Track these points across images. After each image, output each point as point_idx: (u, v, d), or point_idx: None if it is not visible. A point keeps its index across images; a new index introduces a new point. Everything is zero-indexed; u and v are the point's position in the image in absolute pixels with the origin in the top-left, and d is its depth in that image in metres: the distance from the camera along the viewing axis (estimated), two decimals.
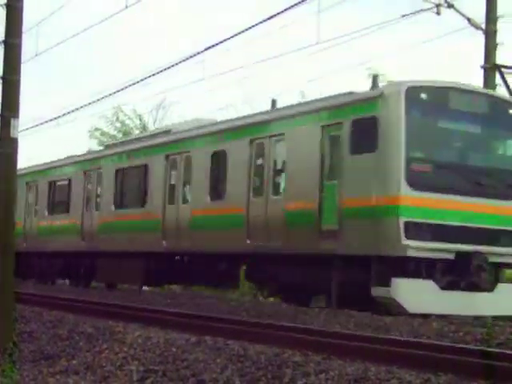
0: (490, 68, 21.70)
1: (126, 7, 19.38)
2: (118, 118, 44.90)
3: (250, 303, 17.68)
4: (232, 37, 17.57)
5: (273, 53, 48.06)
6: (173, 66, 19.66)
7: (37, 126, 31.04)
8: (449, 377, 7.42)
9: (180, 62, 19.42)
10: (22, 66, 11.38)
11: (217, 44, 18.10)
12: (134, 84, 21.61)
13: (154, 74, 20.56)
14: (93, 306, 15.91)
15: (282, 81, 55.88)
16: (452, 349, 9.05)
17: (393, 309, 15.33)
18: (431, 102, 15.95)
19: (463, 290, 15.60)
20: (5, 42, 11.26)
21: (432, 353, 8.65)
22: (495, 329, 12.69)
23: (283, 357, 8.67)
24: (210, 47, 18.43)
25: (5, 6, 11.29)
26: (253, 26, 16.96)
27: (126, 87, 22.19)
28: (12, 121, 11.14)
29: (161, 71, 20.22)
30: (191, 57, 19.20)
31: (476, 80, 22.48)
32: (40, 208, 30.36)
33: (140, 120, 45.42)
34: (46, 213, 29.66)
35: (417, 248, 15.15)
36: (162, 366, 8.80)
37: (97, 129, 45.24)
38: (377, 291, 15.58)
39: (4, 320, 11.05)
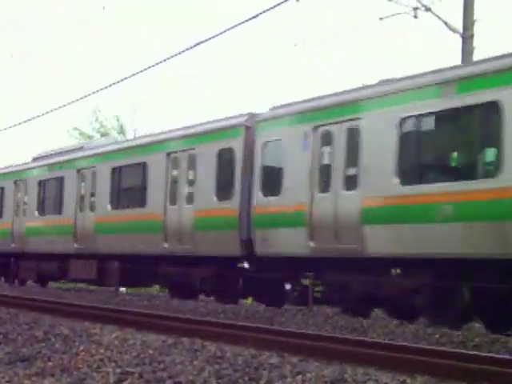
0: None
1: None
2: (97, 119, 44.84)
3: (229, 306, 17.70)
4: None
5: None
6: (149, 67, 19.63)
7: (15, 125, 31.42)
8: (425, 378, 7.46)
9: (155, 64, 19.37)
10: None
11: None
12: (112, 84, 21.57)
13: (128, 77, 20.51)
14: (69, 308, 15.85)
15: None
16: (428, 351, 9.10)
17: None
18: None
19: None
20: None
21: (408, 355, 8.70)
22: (472, 331, 12.78)
23: (260, 359, 8.68)
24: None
25: None
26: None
27: (106, 87, 22.17)
28: None
29: (135, 73, 20.20)
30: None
31: None
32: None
33: (117, 121, 45.31)
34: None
35: None
36: (138, 367, 8.78)
37: (75, 128, 45.15)
38: None
39: None
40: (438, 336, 11.89)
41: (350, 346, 9.62)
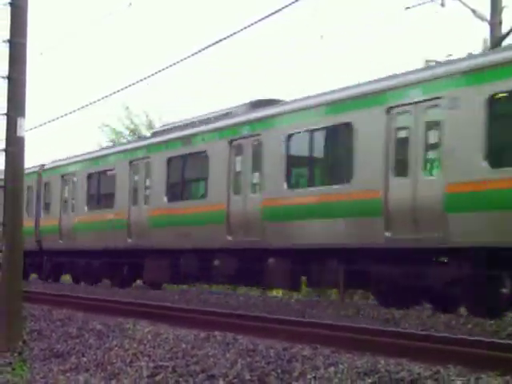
0: None
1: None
2: (128, 115, 45.03)
3: (260, 298, 17.70)
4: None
5: None
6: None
7: (45, 123, 30.78)
8: (458, 369, 7.43)
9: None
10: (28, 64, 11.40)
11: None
12: (140, 81, 21.60)
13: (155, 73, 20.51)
14: (102, 304, 15.95)
15: None
16: (461, 341, 9.05)
17: None
18: None
19: None
20: (10, 41, 11.26)
21: (441, 345, 8.66)
22: (505, 320, 12.70)
23: (292, 351, 8.68)
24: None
25: (9, 5, 11.28)
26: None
27: (134, 84, 22.17)
28: (18, 120, 11.18)
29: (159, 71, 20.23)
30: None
31: None
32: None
33: (146, 116, 45.43)
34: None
35: None
36: (171, 361, 8.82)
37: (106, 125, 45.37)
38: None
39: (13, 319, 11.11)
40: (470, 326, 11.83)
41: (383, 337, 9.60)
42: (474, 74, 14.71)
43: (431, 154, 15.36)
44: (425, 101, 15.39)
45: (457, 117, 14.76)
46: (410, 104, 15.66)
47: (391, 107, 16.08)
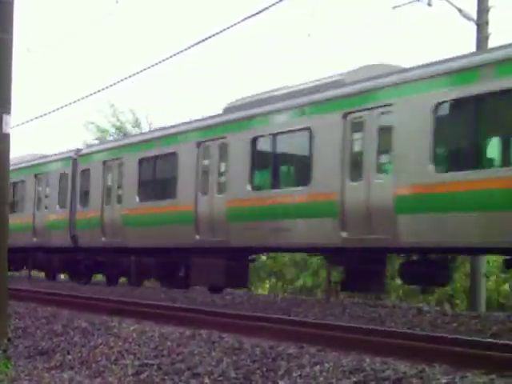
0: None
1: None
2: (114, 113, 44.83)
3: (246, 297, 17.69)
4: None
5: None
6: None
7: (31, 120, 30.35)
8: (443, 367, 7.45)
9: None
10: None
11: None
12: (126, 78, 21.59)
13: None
14: (87, 301, 15.91)
15: None
16: (446, 339, 9.08)
17: None
18: None
19: None
20: None
21: (426, 344, 8.68)
22: (489, 319, 12.74)
23: (278, 349, 8.68)
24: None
25: None
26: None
27: (119, 81, 22.15)
28: (4, 117, 11.11)
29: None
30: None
31: None
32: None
33: (133, 114, 45.29)
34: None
35: None
36: (156, 359, 8.81)
37: (91, 122, 45.16)
38: None
39: None
40: (455, 325, 11.87)
41: (368, 335, 9.61)
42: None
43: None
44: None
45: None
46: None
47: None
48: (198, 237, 20.45)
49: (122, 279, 27.43)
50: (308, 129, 17.69)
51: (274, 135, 18.77)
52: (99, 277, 29.43)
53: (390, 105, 15.84)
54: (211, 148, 20.62)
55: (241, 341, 9.36)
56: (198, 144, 20.94)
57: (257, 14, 16.85)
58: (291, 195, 17.86)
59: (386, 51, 50.76)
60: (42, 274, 32.82)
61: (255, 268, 26.37)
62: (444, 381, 6.86)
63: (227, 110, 21.15)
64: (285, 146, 19.12)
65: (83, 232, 26.16)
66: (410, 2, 22.00)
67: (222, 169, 20.29)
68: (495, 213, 13.71)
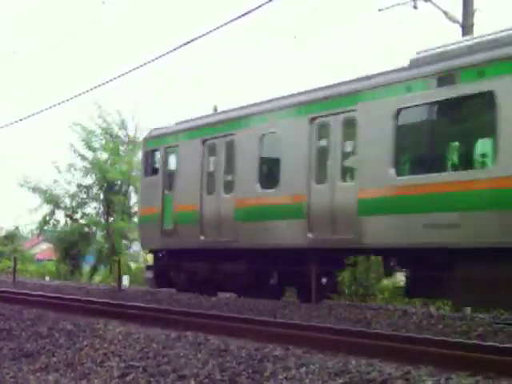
0: None
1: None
2: (100, 114, 44.71)
3: (232, 299, 17.68)
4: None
5: None
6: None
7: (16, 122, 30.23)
8: (429, 369, 7.46)
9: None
10: None
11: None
12: (113, 79, 21.53)
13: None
14: (73, 303, 15.85)
15: None
16: (432, 341, 9.09)
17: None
18: None
19: None
20: None
21: (412, 345, 8.69)
22: (475, 321, 12.78)
23: (264, 351, 8.68)
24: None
25: None
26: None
27: (106, 82, 22.10)
28: None
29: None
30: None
31: None
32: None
33: (119, 115, 45.20)
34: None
35: None
36: (142, 361, 8.78)
37: (77, 124, 44.99)
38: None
39: None
40: (441, 326, 11.89)
41: (354, 337, 9.61)
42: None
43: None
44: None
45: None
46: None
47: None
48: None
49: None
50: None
51: None
52: None
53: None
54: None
55: (227, 343, 9.36)
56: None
57: (244, 14, 16.92)
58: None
59: (374, 53, 50.91)
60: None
61: None
62: (429, 382, 6.87)
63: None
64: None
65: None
66: (394, 6, 22.11)
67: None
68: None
